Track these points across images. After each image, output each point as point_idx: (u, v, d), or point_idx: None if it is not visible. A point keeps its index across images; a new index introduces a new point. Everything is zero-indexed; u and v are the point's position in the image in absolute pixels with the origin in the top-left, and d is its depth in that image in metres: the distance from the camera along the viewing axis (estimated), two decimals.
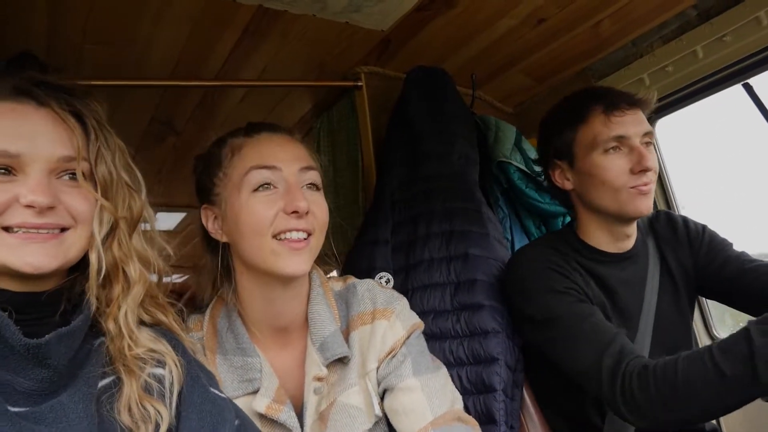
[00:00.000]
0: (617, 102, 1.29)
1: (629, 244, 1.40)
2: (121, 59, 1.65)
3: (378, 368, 1.07)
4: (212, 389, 0.87)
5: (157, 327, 0.88)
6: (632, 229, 1.38)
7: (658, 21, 1.72)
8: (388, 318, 1.09)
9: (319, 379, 1.02)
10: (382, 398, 1.07)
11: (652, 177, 1.28)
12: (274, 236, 0.99)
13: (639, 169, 1.26)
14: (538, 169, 1.79)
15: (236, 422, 0.87)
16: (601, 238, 1.38)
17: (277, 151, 1.04)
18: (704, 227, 1.48)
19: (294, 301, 1.07)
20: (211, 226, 1.07)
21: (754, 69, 1.62)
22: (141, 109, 1.99)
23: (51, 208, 0.72)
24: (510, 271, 1.40)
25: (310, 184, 1.05)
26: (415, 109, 1.68)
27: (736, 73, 1.65)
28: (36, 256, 0.71)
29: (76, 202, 0.76)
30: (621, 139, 1.28)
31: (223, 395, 0.89)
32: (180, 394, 0.82)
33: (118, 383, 0.78)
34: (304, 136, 1.88)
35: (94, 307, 0.80)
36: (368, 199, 1.82)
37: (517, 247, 1.79)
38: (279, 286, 1.04)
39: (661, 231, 1.47)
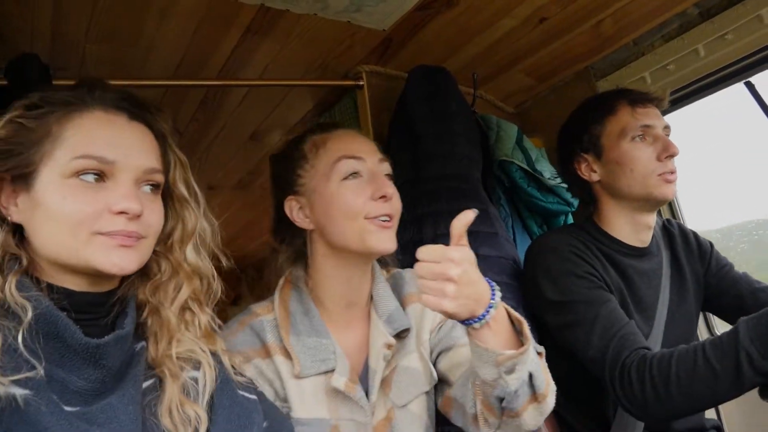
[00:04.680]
0: (639, 98, 1.41)
1: (648, 238, 1.45)
2: (123, 59, 1.66)
3: (430, 338, 1.17)
4: (241, 392, 0.89)
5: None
6: (653, 221, 1.44)
7: (659, 20, 1.72)
8: None
9: (389, 347, 1.10)
10: (434, 364, 1.16)
11: (675, 164, 1.37)
12: (366, 218, 1.09)
13: (665, 155, 1.35)
14: (541, 168, 1.79)
15: (264, 424, 0.88)
16: (623, 229, 1.43)
17: (359, 143, 1.16)
18: (711, 243, 1.57)
19: (366, 279, 1.17)
20: (296, 215, 1.16)
21: (756, 67, 1.62)
22: (167, 114, 1.99)
23: (138, 216, 0.77)
24: (532, 255, 1.45)
25: (387, 174, 1.16)
26: (416, 108, 1.68)
27: (738, 71, 1.66)
28: (122, 258, 0.76)
29: (153, 215, 0.81)
30: (647, 128, 1.37)
31: (253, 397, 0.91)
32: (211, 396, 0.85)
33: (159, 386, 0.81)
34: None
35: (144, 311, 0.85)
36: None
37: (519, 246, 1.79)
38: (360, 265, 1.15)
39: (677, 236, 1.55)
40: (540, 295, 1.36)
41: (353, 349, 1.13)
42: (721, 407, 1.81)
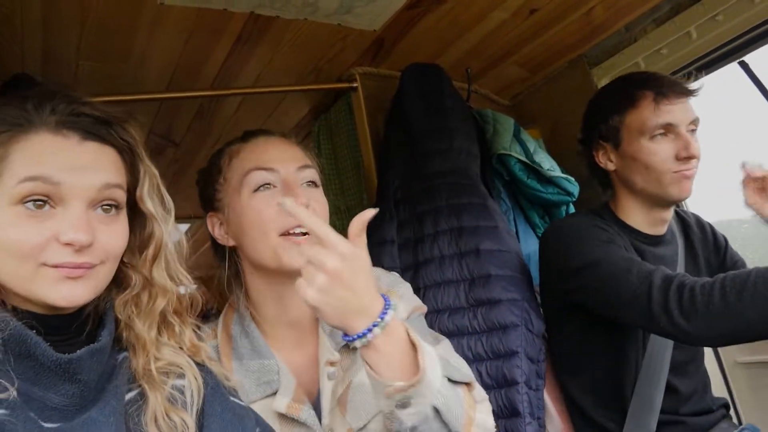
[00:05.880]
0: (667, 91, 1.33)
1: (663, 229, 1.44)
2: (116, 74, 1.65)
3: None
4: (233, 398, 0.88)
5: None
6: (669, 215, 1.43)
7: (650, 4, 1.71)
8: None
9: (332, 364, 1.02)
10: None
11: (695, 164, 1.32)
12: (280, 235, 1.01)
13: (685, 155, 1.30)
14: (539, 160, 1.79)
15: (257, 430, 0.87)
16: (638, 219, 1.42)
17: (273, 153, 1.07)
18: (726, 238, 1.55)
19: None
20: (217, 232, 1.10)
21: (749, 46, 1.62)
22: (138, 123, 1.99)
23: (89, 246, 0.73)
24: (551, 235, 1.44)
25: (308, 182, 1.08)
26: (411, 106, 1.68)
27: (732, 51, 1.65)
28: (71, 291, 0.73)
29: (110, 239, 0.77)
30: (668, 126, 1.32)
31: (243, 404, 0.89)
32: (201, 405, 0.83)
33: (143, 396, 0.80)
34: (303, 140, 1.87)
35: (120, 324, 0.83)
36: (370, 199, 1.82)
37: (522, 238, 1.79)
38: (288, 282, 1.03)
39: (693, 225, 1.54)
40: (565, 266, 1.34)
41: (304, 368, 1.05)
42: (732, 387, 1.81)
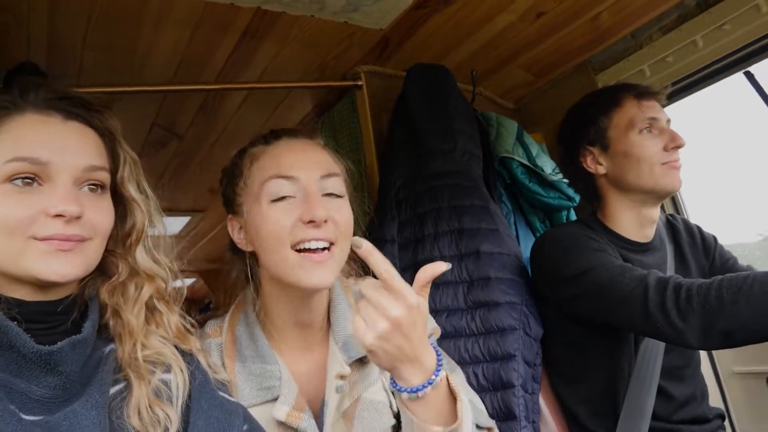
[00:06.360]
0: (643, 91, 1.43)
1: (651, 232, 1.46)
2: (121, 65, 1.66)
3: None
4: (221, 393, 0.87)
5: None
6: (657, 214, 1.46)
7: (656, 12, 1.71)
8: None
9: (342, 377, 1.01)
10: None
11: (680, 155, 1.40)
12: (293, 247, 0.97)
13: (673, 145, 1.37)
14: (542, 164, 1.79)
15: (245, 427, 0.87)
16: (627, 224, 1.44)
17: (295, 160, 1.02)
18: (715, 237, 1.59)
19: (319, 302, 1.06)
20: (237, 236, 1.07)
21: (755, 56, 1.62)
22: (142, 115, 1.99)
23: (78, 218, 0.74)
24: (542, 245, 1.46)
25: (330, 192, 1.02)
26: (416, 106, 1.68)
27: (737, 61, 1.66)
28: (62, 264, 0.73)
29: (97, 215, 0.78)
30: (653, 121, 1.40)
31: (232, 399, 0.89)
32: (187, 399, 0.83)
33: (128, 388, 0.79)
34: None
35: (106, 313, 0.82)
36: (372, 199, 1.82)
37: (522, 242, 1.79)
38: (303, 296, 1.03)
39: (681, 230, 1.57)
40: (560, 275, 1.35)
41: (310, 375, 1.04)
42: (728, 397, 1.81)
